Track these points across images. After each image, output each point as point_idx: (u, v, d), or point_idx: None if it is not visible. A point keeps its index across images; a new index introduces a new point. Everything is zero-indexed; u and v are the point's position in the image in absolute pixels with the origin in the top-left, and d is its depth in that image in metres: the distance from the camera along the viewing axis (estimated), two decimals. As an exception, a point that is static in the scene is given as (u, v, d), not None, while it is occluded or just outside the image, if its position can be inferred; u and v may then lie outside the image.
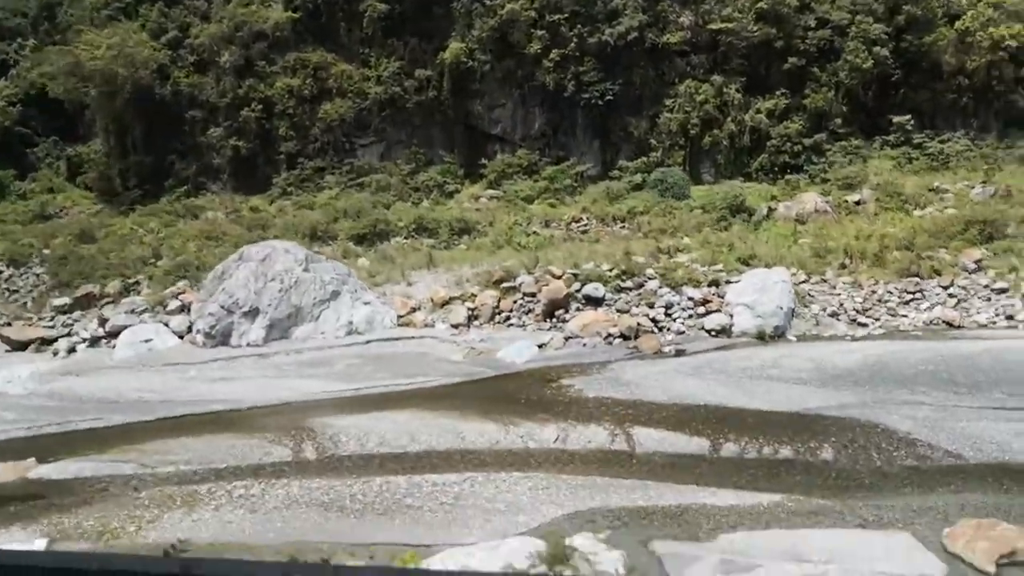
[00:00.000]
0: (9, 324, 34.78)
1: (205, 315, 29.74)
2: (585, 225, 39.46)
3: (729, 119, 44.22)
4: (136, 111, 50.40)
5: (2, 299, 39.58)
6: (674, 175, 41.30)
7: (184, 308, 31.94)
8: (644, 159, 44.03)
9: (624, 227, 38.83)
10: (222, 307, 29.55)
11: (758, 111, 43.93)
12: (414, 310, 31.41)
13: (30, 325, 33.42)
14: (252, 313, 29.54)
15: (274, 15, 48.93)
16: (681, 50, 44.94)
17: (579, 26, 44.57)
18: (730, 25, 44.13)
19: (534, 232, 39.18)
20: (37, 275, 40.54)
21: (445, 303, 31.20)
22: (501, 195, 44.95)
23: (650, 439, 17.88)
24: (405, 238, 40.73)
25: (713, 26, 44.65)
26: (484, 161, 47.55)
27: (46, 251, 41.88)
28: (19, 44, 65.99)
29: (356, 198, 44.78)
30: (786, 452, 16.66)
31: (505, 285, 30.86)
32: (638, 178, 43.32)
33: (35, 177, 56.96)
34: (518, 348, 26.54)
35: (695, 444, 17.41)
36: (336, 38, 49.71)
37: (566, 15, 44.68)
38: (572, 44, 44.51)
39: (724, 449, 17.06)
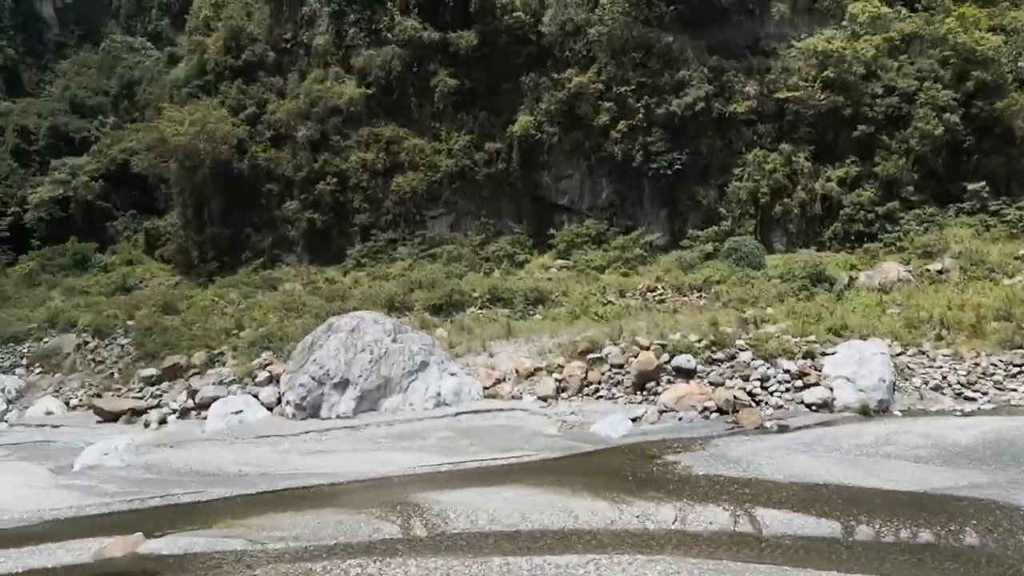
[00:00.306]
0: (99, 395, 35.68)
1: (296, 386, 30.16)
2: (661, 294, 39.38)
3: (799, 187, 44.19)
4: (215, 185, 52.31)
5: (89, 369, 40.70)
6: (748, 244, 41.20)
7: (272, 379, 32.44)
8: (715, 228, 44.02)
9: (701, 297, 38.64)
10: (313, 378, 29.95)
11: (828, 179, 43.87)
12: (499, 381, 31.44)
13: (120, 396, 34.21)
14: (342, 384, 29.86)
15: (348, 91, 50.77)
16: (748, 119, 45.31)
17: (646, 97, 45.32)
18: (797, 94, 44.48)
19: (609, 301, 39.20)
20: (122, 346, 41.69)
21: (530, 374, 31.20)
22: (571, 265, 45.23)
23: (776, 520, 17.36)
24: (480, 308, 41.04)
25: (779, 95, 45.02)
26: (552, 231, 48.03)
27: (130, 322, 43.13)
28: (100, 121, 69.53)
29: (429, 269, 45.43)
30: (926, 536, 16.04)
31: (591, 356, 30.80)
32: (709, 247, 43.26)
33: (115, 250, 59.18)
34: (612, 422, 26.27)
35: (826, 526, 16.85)
36: (407, 113, 51.27)
37: (633, 87, 45.54)
38: (640, 115, 45.19)
39: (858, 532, 16.50)
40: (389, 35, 51.50)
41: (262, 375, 32.57)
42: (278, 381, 32.18)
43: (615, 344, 30.97)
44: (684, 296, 39.18)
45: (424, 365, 30.57)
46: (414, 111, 51.34)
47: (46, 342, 43.38)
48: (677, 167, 45.07)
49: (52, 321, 44.39)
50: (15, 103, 71.36)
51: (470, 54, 48.73)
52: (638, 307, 38.45)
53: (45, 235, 60.14)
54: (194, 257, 53.37)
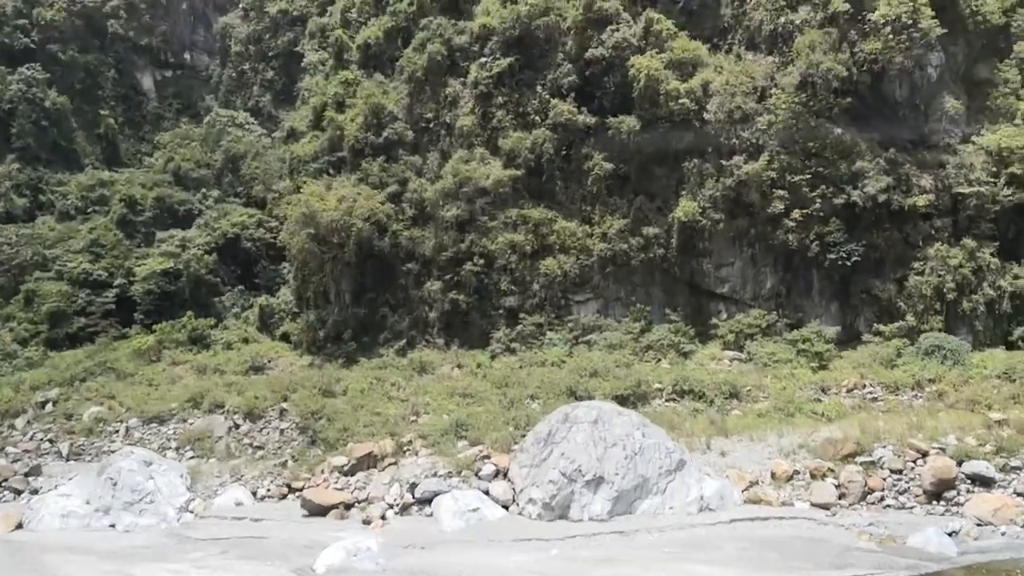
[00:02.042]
0: (289, 486, 32.72)
1: (544, 483, 27.33)
2: (870, 392, 36.97)
3: (985, 284, 42.46)
4: (354, 263, 50.43)
5: (248, 455, 37.80)
6: (951, 341, 39.20)
7: (499, 473, 29.60)
8: (900, 323, 41.98)
9: (917, 396, 36.21)
10: (563, 474, 27.20)
11: (1016, 276, 42.17)
12: (752, 484, 28.65)
13: (320, 487, 31.23)
14: (595, 482, 27.08)
15: (495, 172, 49.57)
16: (925, 212, 43.94)
17: (822, 187, 44.07)
18: (979, 190, 43.30)
19: (817, 399, 36.78)
20: (280, 430, 38.91)
21: (789, 477, 28.45)
22: (746, 357, 42.96)
23: None
24: (666, 400, 38.57)
25: (958, 190, 43.85)
26: (714, 321, 46.00)
27: (284, 405, 40.46)
28: (203, 194, 68.33)
29: (590, 357, 43.15)
30: None
31: (861, 459, 28.15)
32: (895, 343, 41.12)
33: (226, 326, 56.77)
34: (932, 536, 23.50)
35: None
36: (556, 195, 50.06)
37: (808, 176, 44.34)
38: (816, 204, 43.80)
39: None
40: (537, 118, 50.72)
41: (486, 468, 29.74)
42: (506, 475, 29.35)
43: (886, 447, 28.34)
44: (896, 395, 36.76)
45: (681, 464, 27.86)
46: (563, 193, 50.08)
47: (191, 423, 40.58)
48: (856, 259, 43.37)
49: (195, 401, 41.67)
50: (117, 173, 70.30)
51: (629, 139, 47.72)
52: (850, 406, 35.98)
53: (150, 308, 57.83)
54: (320, 337, 50.91)
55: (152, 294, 57.74)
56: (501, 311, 48.34)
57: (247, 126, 73.50)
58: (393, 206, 51.03)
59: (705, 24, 53.32)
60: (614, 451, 27.47)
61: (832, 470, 27.89)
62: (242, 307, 59.70)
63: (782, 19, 48.05)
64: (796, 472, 28.54)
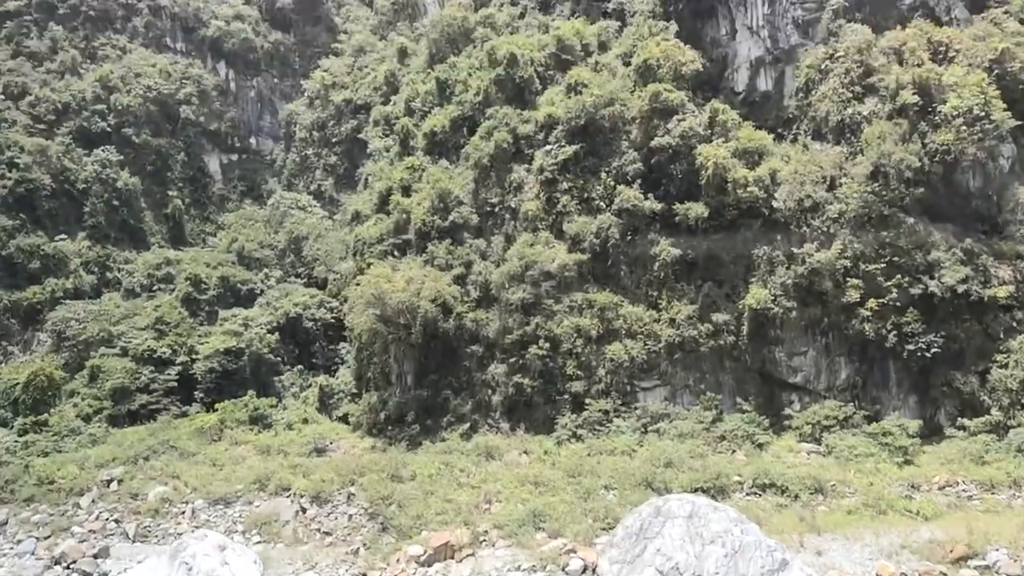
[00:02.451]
0: None
1: (639, 582, 26.13)
2: (964, 490, 35.31)
3: (1075, 379, 40.84)
4: (418, 344, 50.41)
5: (316, 541, 36.96)
6: (1047, 438, 37.43)
7: (587, 568, 28.46)
8: (986, 417, 40.45)
9: (1016, 495, 34.48)
10: (659, 572, 26.01)
11: (1107, 372, 40.52)
12: (858, 588, 27.13)
13: (398, 577, 30.24)
14: (692, 582, 25.81)
15: (559, 256, 49.74)
16: (1006, 304, 42.90)
17: (897, 276, 43.41)
18: (1062, 282, 42.23)
19: (907, 496, 35.19)
20: (349, 516, 38.13)
21: (899, 582, 26.89)
22: (824, 450, 41.55)
23: None
24: (747, 494, 37.20)
25: (1040, 282, 42.80)
26: (788, 411, 44.87)
27: (351, 489, 39.80)
28: (265, 274, 69.52)
29: (660, 446, 42.07)
30: None
31: (975, 563, 26.60)
32: (983, 439, 39.52)
33: (286, 406, 56.69)
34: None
35: None
36: (621, 279, 49.95)
37: (883, 265, 43.76)
38: (892, 294, 43.05)
39: None
40: (602, 203, 51.20)
41: (573, 563, 28.63)
42: (594, 571, 28.20)
43: (998, 550, 26.80)
44: (993, 493, 35.05)
45: (784, 564, 26.50)
46: (628, 278, 49.96)
47: (258, 506, 39.99)
48: (936, 350, 42.23)
49: (261, 483, 41.17)
50: (182, 251, 72.08)
51: (697, 225, 47.81)
52: (947, 504, 34.34)
53: (210, 386, 58.12)
54: (382, 419, 50.50)
55: (213, 372, 58.13)
56: (566, 396, 47.65)
57: (309, 209, 75.35)
58: (459, 288, 51.26)
59: (768, 115, 54.16)
60: (713, 548, 26.29)
61: (945, 574, 26.29)
62: (301, 387, 59.75)
63: (849, 110, 48.54)
64: (904, 575, 26.96)
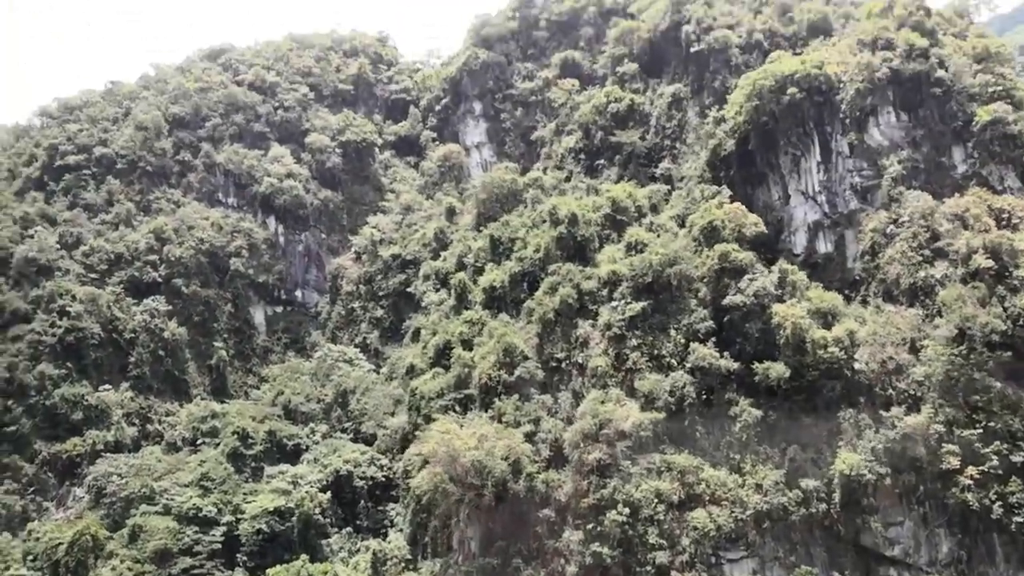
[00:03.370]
0: None
1: None
2: None
3: None
4: (485, 507, 48.04)
5: None
6: None
7: None
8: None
9: None
10: None
11: None
12: None
13: None
14: None
15: (633, 414, 48.38)
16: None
17: (996, 442, 42.00)
18: None
19: None
20: None
21: None
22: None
23: None
24: None
25: None
26: (890, 588, 41.99)
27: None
28: (311, 429, 67.76)
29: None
30: None
31: None
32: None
33: (336, 572, 53.30)
34: None
35: None
36: (697, 440, 48.32)
37: (978, 431, 42.48)
38: (992, 461, 41.51)
39: None
40: (673, 361, 50.59)
41: None
42: None
43: None
44: None
45: None
46: (706, 439, 48.34)
47: None
48: (1046, 524, 40.12)
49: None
50: (226, 403, 70.63)
51: (778, 386, 46.95)
52: None
53: (254, 549, 55.09)
54: (445, 589, 47.27)
55: (261, 534, 55.28)
56: (649, 568, 44.60)
57: (356, 362, 74.61)
58: (530, 447, 49.54)
59: (832, 276, 54.82)
60: None
61: None
62: (350, 551, 56.48)
63: (921, 273, 49.04)
64: None
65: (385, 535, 57.72)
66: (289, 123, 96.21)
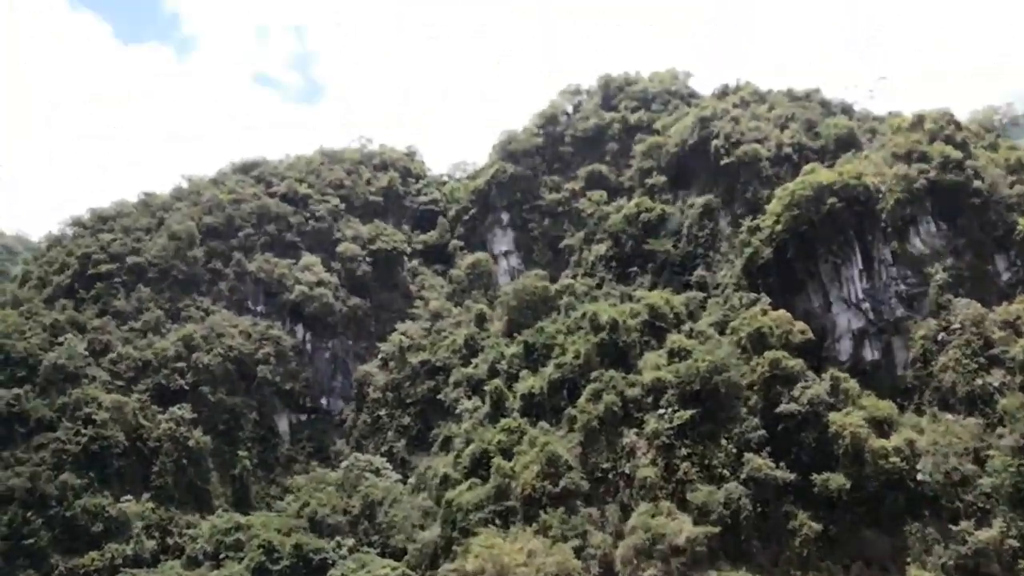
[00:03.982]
0: None
1: None
2: None
3: None
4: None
5: None
6: None
7: None
8: None
9: None
10: None
11: None
12: None
13: None
14: None
15: (687, 528, 46.36)
16: None
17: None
18: None
19: None
20: None
21: None
22: None
23: None
24: None
25: None
26: None
27: None
28: (337, 543, 64.96)
29: None
30: None
31: None
32: None
33: None
34: None
35: None
36: (754, 555, 46.15)
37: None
38: (1078, 582, 39.23)
39: None
40: (726, 471, 48.94)
41: None
42: None
43: None
44: None
45: None
46: (763, 554, 46.26)
47: None
48: None
49: None
50: (250, 515, 68.10)
51: (838, 497, 45.15)
52: None
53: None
54: None
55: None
56: None
57: (383, 472, 72.45)
58: (581, 563, 47.19)
59: (882, 384, 53.79)
60: None
61: None
62: None
63: (978, 381, 48.11)
64: None
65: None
66: (320, 233, 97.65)
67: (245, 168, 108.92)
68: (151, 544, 64.20)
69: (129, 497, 65.89)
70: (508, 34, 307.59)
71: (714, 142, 75.64)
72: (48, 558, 60.42)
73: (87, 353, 76.37)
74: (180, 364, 78.61)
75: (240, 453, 75.28)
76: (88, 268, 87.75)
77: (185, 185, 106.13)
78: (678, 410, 52.12)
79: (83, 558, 60.62)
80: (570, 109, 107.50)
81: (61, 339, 76.06)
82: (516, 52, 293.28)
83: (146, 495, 67.66)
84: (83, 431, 67.67)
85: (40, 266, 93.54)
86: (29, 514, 61.38)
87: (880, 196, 56.53)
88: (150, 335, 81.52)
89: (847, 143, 69.66)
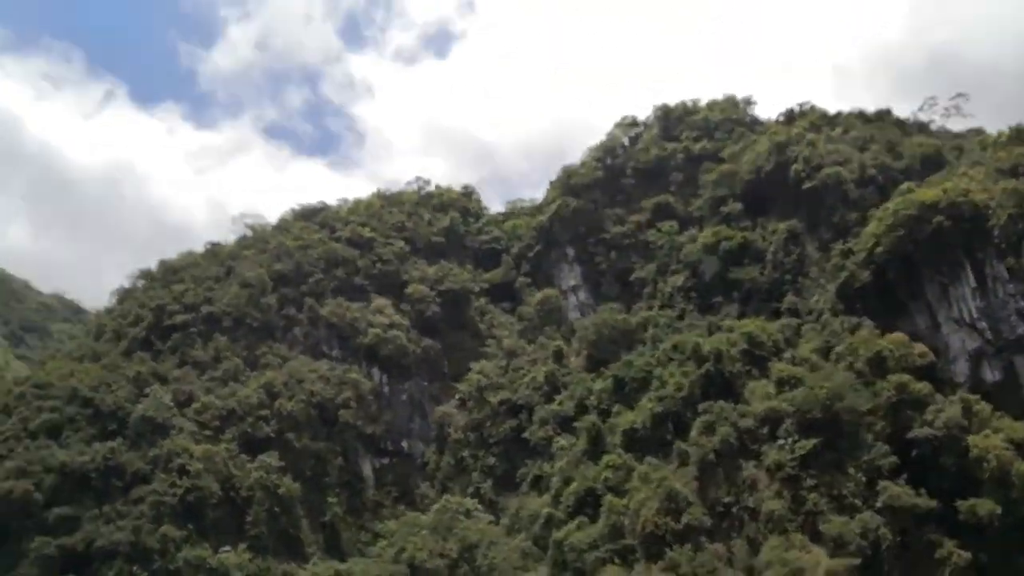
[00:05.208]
0: None
1: None
2: None
3: None
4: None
5: None
6: None
7: None
8: None
9: None
10: None
11: None
12: None
13: None
14: None
15: (824, 562, 44.89)
16: None
17: None
18: None
19: None
20: None
21: None
22: None
23: None
24: None
25: None
26: None
27: None
28: None
29: None
30: None
31: None
32: None
33: None
34: None
35: None
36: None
37: None
38: None
39: None
40: (856, 501, 47.51)
41: None
42: None
43: None
44: None
45: None
46: (911, 588, 44.46)
47: None
48: None
49: None
50: (343, 562, 67.22)
51: (989, 524, 43.55)
52: None
53: None
54: None
55: None
56: None
57: (474, 514, 71.41)
58: (718, 603, 45.85)
59: (1008, 405, 51.94)
60: None
61: None
62: None
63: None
64: None
65: None
66: (387, 275, 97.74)
67: (307, 214, 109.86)
68: (253, 596, 63.50)
69: (227, 548, 65.26)
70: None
71: (793, 167, 75.14)
72: (156, 612, 59.89)
73: (172, 404, 76.55)
74: (264, 412, 78.37)
75: (329, 499, 74.62)
76: (163, 319, 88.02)
77: (249, 233, 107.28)
78: (799, 440, 50.96)
79: (189, 614, 60.09)
80: (627, 141, 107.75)
81: (146, 391, 76.32)
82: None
83: (242, 545, 66.95)
84: (178, 483, 67.41)
85: (114, 319, 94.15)
86: (134, 568, 60.94)
87: (990, 212, 55.48)
88: (231, 383, 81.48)
89: (934, 162, 68.90)
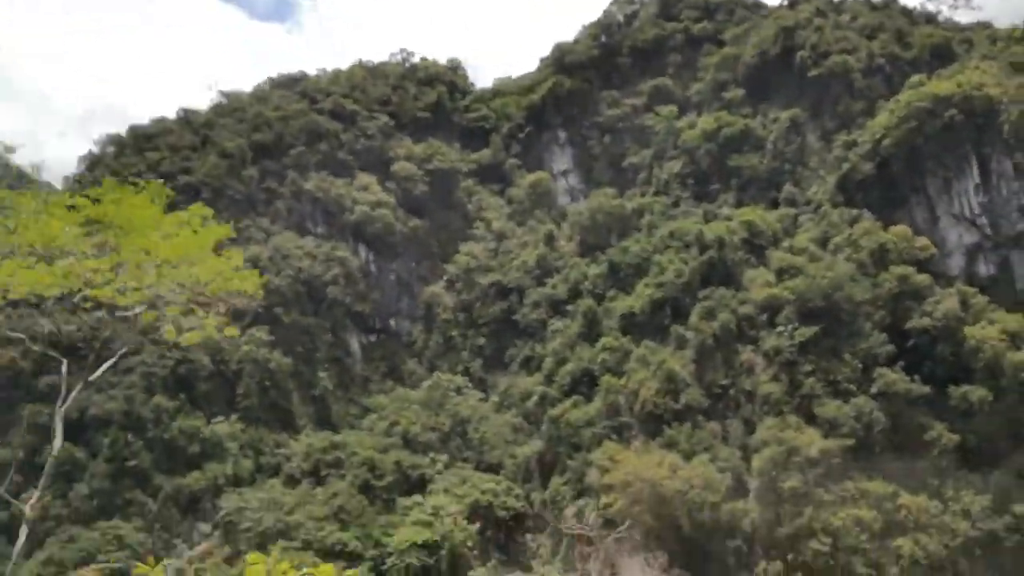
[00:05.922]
0: None
1: None
2: None
3: None
4: (667, 540, 46.06)
5: None
6: None
7: None
8: None
9: None
10: None
11: None
12: None
13: None
14: None
15: (818, 441, 46.85)
16: None
17: None
18: None
19: None
20: None
21: None
22: None
23: None
24: None
25: None
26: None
27: None
28: (432, 459, 65.57)
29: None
30: None
31: None
32: None
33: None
34: None
35: None
36: (894, 467, 46.69)
37: None
38: None
39: None
40: (851, 386, 49.17)
41: None
42: None
43: None
44: None
45: None
46: (897, 466, 46.79)
47: None
48: None
49: None
50: (336, 434, 68.29)
51: (979, 409, 45.56)
52: None
53: (404, 585, 52.62)
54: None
55: (411, 568, 52.79)
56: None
57: (464, 390, 72.62)
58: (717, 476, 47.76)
59: (1001, 298, 53.45)
60: None
61: None
62: (498, 588, 54.12)
63: (1111, 293, 48.00)
64: None
65: (529, 567, 55.59)
66: (371, 151, 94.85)
67: (286, 83, 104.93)
68: (248, 463, 64.40)
69: (220, 418, 65.68)
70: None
71: (799, 53, 73.31)
72: (151, 479, 60.30)
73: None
74: (253, 289, 77.23)
75: (319, 374, 74.89)
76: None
77: (224, 101, 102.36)
78: (798, 327, 52.03)
79: (186, 478, 60.61)
80: (623, 19, 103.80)
81: (128, 261, 74.43)
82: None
83: (234, 416, 67.45)
84: (168, 354, 66.86)
85: (84, 187, 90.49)
86: (128, 436, 61.11)
87: (1002, 107, 55.14)
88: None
89: (942, 54, 67.73)
